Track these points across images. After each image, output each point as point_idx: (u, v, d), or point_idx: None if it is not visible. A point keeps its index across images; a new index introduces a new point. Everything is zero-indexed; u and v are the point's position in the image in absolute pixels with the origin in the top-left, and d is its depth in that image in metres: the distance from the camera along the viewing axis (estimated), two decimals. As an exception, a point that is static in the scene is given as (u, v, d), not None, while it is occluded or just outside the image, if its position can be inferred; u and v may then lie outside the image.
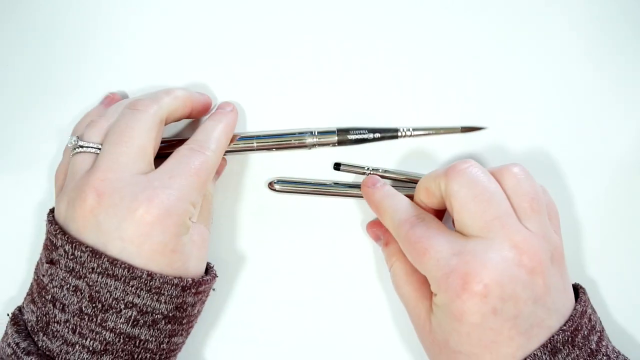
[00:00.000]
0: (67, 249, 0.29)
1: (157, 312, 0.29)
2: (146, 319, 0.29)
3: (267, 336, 0.38)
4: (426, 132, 0.38)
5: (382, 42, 0.39)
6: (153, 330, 0.30)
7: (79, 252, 0.29)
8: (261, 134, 0.37)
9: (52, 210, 0.32)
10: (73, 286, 0.29)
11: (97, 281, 0.28)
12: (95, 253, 0.28)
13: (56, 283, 0.29)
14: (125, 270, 0.28)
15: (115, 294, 0.28)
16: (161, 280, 0.29)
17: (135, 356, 0.29)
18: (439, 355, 0.31)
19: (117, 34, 0.39)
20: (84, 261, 0.29)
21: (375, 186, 0.35)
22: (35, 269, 0.32)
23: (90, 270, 0.28)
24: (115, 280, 0.28)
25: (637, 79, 0.38)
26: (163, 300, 0.29)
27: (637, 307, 0.37)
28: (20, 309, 0.32)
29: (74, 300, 0.29)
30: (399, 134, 0.37)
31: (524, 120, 0.38)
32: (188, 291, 0.31)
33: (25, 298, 0.32)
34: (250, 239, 0.38)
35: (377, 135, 0.37)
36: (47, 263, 0.30)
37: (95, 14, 0.39)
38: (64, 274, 0.29)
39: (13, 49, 0.39)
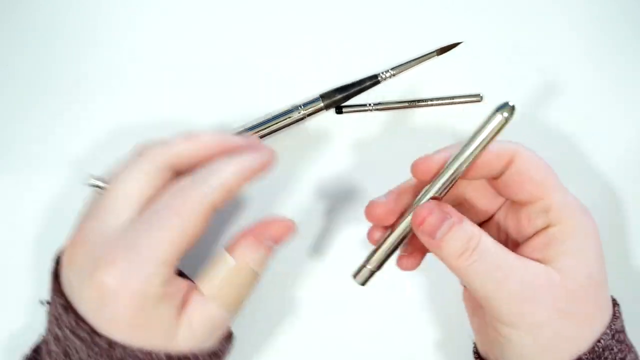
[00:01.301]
0: (52, 294, 0.27)
1: None
2: None
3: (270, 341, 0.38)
4: (405, 67, 0.38)
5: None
6: None
7: (58, 302, 0.26)
8: (249, 125, 0.37)
9: None
10: (55, 333, 0.27)
11: (67, 336, 0.26)
12: (66, 309, 0.26)
13: (48, 325, 0.28)
14: (87, 333, 0.25)
15: (82, 355, 0.26)
16: (122, 352, 0.25)
17: None
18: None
19: (117, 33, 0.39)
20: (61, 313, 0.26)
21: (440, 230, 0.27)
22: None
23: (65, 324, 0.26)
24: (80, 341, 0.25)
25: (638, 79, 0.38)
26: None
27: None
28: None
29: (55, 349, 0.27)
30: (380, 78, 0.37)
31: (523, 119, 0.38)
32: None
33: None
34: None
35: (358, 82, 0.37)
36: (47, 301, 0.28)
37: (96, 14, 0.39)
38: (52, 318, 0.27)
39: (13, 49, 0.39)
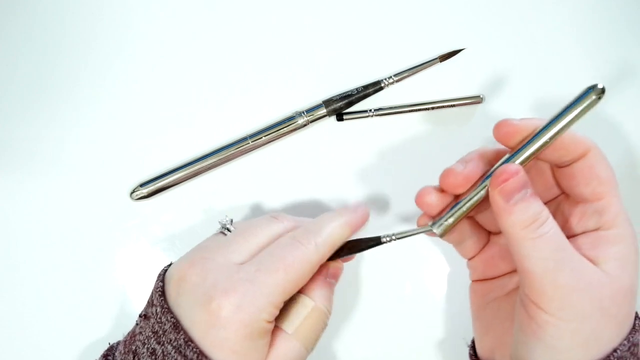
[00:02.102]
0: (158, 310, 0.29)
1: None
2: None
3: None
4: (407, 73, 0.38)
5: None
6: None
7: (165, 319, 0.28)
8: (252, 132, 0.37)
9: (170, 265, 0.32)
10: (152, 348, 0.28)
11: (170, 353, 0.28)
12: (176, 327, 0.28)
13: (141, 338, 0.29)
14: (195, 354, 0.27)
15: None
16: None
17: None
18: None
19: (117, 34, 0.39)
20: (166, 330, 0.28)
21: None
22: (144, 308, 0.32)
23: (169, 340, 0.28)
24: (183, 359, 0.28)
25: (638, 79, 0.38)
26: None
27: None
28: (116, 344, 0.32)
29: None
30: (382, 84, 0.37)
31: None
32: None
33: (128, 332, 0.32)
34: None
35: (361, 89, 0.37)
36: (142, 314, 0.30)
37: (96, 14, 0.39)
38: (149, 333, 0.29)
39: (13, 49, 0.39)
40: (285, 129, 0.37)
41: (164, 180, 0.37)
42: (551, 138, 0.27)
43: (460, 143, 0.38)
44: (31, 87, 0.39)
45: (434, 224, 0.30)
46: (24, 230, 0.38)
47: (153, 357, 0.28)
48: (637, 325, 0.28)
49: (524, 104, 0.38)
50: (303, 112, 0.37)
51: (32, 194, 0.38)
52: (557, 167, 0.29)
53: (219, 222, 0.32)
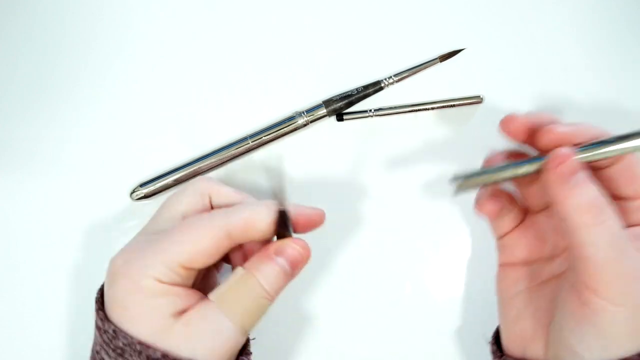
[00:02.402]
0: (95, 306, 0.30)
1: None
2: None
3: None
4: (407, 73, 0.38)
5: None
6: None
7: (98, 312, 0.29)
8: (252, 132, 0.37)
9: None
10: (95, 338, 0.29)
11: (99, 328, 0.29)
12: (98, 300, 0.29)
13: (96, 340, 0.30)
14: (100, 319, 0.28)
15: (98, 348, 0.28)
16: (125, 341, 0.27)
17: None
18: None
19: (117, 34, 0.39)
20: (99, 319, 0.29)
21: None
22: None
23: (102, 328, 0.29)
24: (97, 331, 0.29)
25: (638, 78, 0.38)
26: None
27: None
28: None
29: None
30: (383, 84, 0.37)
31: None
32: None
33: None
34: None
35: (361, 89, 0.37)
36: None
37: (96, 14, 0.39)
38: (95, 331, 0.30)
39: (13, 49, 0.39)
40: (285, 129, 0.37)
41: (163, 180, 0.37)
42: (613, 154, 0.26)
43: (460, 143, 0.38)
44: (31, 87, 0.39)
45: (453, 180, 0.29)
46: (24, 230, 0.38)
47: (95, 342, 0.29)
48: None
49: (524, 104, 0.38)
50: (303, 112, 0.37)
51: (32, 194, 0.38)
52: (597, 169, 0.29)
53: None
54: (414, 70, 0.38)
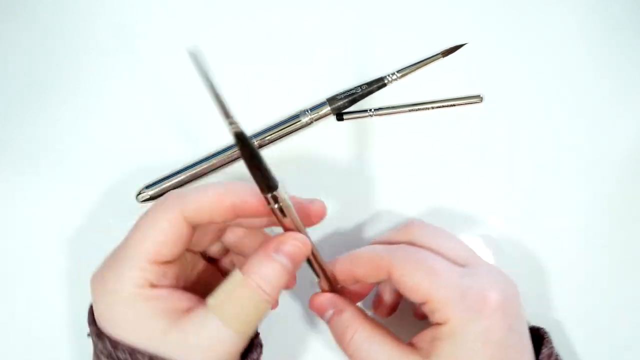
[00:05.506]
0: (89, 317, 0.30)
1: None
2: None
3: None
4: (410, 70, 0.38)
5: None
6: None
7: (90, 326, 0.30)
8: (257, 131, 0.37)
9: None
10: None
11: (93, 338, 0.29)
12: (90, 311, 0.30)
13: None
14: (95, 335, 0.28)
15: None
16: (112, 345, 0.27)
17: None
18: None
19: (117, 33, 0.39)
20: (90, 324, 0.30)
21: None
22: None
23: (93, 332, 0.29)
24: (95, 338, 0.28)
25: (639, 79, 0.38)
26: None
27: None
28: None
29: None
30: (386, 81, 0.37)
31: (524, 121, 0.38)
32: None
33: None
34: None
35: (365, 87, 0.37)
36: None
37: (96, 14, 0.39)
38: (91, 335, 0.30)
39: (13, 49, 0.39)
40: (289, 127, 0.37)
41: (168, 182, 0.36)
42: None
43: (460, 143, 0.38)
44: (31, 87, 0.38)
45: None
46: (24, 230, 0.37)
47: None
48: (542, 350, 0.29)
49: (523, 104, 0.39)
50: (307, 111, 0.37)
51: (32, 194, 0.38)
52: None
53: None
54: (416, 66, 0.38)
